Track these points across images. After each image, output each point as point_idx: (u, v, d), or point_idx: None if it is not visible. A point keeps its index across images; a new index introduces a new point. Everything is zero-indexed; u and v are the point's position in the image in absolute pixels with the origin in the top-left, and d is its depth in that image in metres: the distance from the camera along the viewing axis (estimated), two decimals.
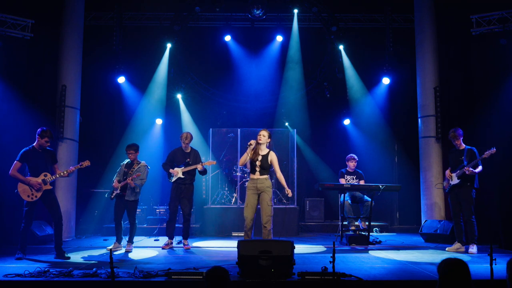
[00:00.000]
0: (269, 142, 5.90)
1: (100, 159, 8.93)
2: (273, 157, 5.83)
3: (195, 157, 6.92)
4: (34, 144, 5.84)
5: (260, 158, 5.78)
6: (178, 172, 6.79)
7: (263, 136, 5.83)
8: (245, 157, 5.76)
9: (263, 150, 5.83)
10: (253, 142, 5.77)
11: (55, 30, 8.23)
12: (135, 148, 6.69)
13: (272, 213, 5.71)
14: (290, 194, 5.86)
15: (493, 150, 6.09)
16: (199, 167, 6.75)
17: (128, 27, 10.02)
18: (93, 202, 8.95)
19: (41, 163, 5.83)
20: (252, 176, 5.83)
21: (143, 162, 6.78)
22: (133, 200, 6.63)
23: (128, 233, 6.73)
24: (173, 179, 6.83)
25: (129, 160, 6.76)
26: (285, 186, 5.87)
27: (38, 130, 5.83)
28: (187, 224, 6.86)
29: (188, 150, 6.93)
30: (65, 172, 5.92)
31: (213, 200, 9.14)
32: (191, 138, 6.93)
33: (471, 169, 6.25)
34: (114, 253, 6.28)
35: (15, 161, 5.75)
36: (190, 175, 6.87)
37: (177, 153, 6.95)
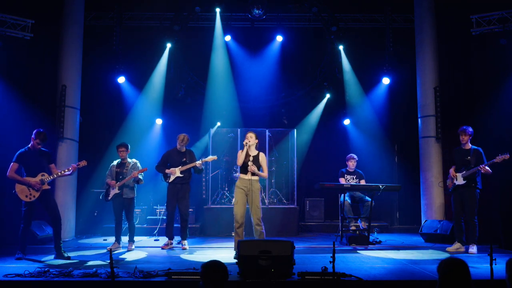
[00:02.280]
0: (257, 144, 6.04)
1: (100, 159, 8.92)
2: (263, 158, 6.02)
3: (190, 156, 6.96)
4: (29, 145, 5.87)
5: (251, 159, 5.92)
6: (176, 172, 6.79)
7: (251, 137, 5.98)
8: (243, 155, 5.88)
9: (253, 151, 6.00)
10: (246, 141, 5.93)
11: (55, 30, 8.23)
12: (126, 146, 6.86)
13: (261, 215, 5.87)
14: (253, 169, 5.84)
15: (507, 155, 5.97)
16: (199, 163, 6.77)
17: (128, 27, 10.01)
18: (93, 202, 8.94)
19: (37, 164, 5.86)
20: (243, 176, 5.93)
21: (134, 160, 6.89)
22: (132, 197, 6.74)
23: (128, 233, 6.75)
24: (171, 179, 6.83)
25: (119, 160, 6.83)
26: (258, 173, 5.91)
27: (34, 131, 5.87)
28: (185, 223, 6.86)
29: (183, 150, 6.95)
30: (59, 173, 5.93)
31: (213, 200, 9.14)
32: (188, 140, 6.98)
33: (488, 168, 6.17)
34: (114, 253, 6.28)
35: (12, 163, 5.77)
36: (188, 174, 6.89)
37: (172, 154, 6.96)
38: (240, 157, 5.90)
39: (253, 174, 5.89)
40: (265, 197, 8.90)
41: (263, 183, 8.90)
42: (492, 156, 6.16)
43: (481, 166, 6.17)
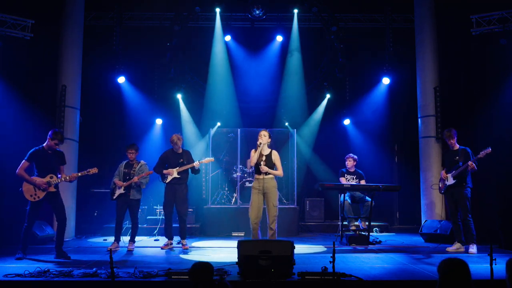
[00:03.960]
0: (269, 142, 6.03)
1: (100, 159, 8.89)
2: (276, 156, 6.01)
3: (187, 156, 6.94)
4: (44, 144, 5.82)
5: (264, 158, 5.91)
6: (173, 172, 6.78)
7: (264, 136, 5.97)
8: (256, 156, 5.87)
9: (266, 150, 5.99)
10: (260, 140, 5.92)
11: (55, 30, 8.24)
12: (136, 148, 6.83)
13: (277, 213, 5.90)
14: (264, 169, 5.87)
15: (489, 150, 6.07)
16: (196, 164, 6.77)
17: (128, 27, 10.01)
18: (93, 202, 8.94)
19: (49, 164, 5.81)
20: (257, 176, 5.97)
21: (143, 162, 6.86)
22: (138, 199, 6.74)
23: (129, 233, 6.75)
24: (168, 179, 6.82)
25: (127, 160, 6.81)
26: (272, 172, 5.93)
27: (50, 131, 5.80)
28: (183, 224, 6.84)
29: (180, 151, 6.93)
30: (67, 178, 5.90)
31: (213, 200, 9.14)
32: (182, 139, 6.96)
33: (474, 165, 6.19)
34: (114, 253, 6.28)
35: (23, 161, 5.71)
36: (185, 175, 6.88)
37: (169, 155, 6.92)
38: (253, 157, 5.89)
39: (267, 173, 5.89)
40: None
41: None
42: (492, 156, 6.18)
43: (469, 162, 6.21)
